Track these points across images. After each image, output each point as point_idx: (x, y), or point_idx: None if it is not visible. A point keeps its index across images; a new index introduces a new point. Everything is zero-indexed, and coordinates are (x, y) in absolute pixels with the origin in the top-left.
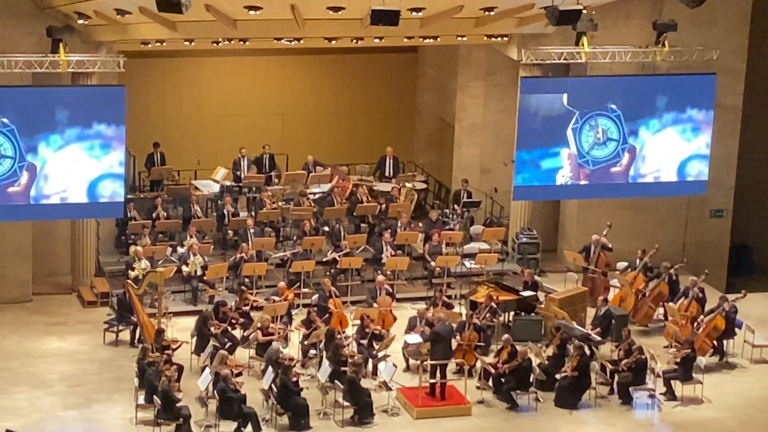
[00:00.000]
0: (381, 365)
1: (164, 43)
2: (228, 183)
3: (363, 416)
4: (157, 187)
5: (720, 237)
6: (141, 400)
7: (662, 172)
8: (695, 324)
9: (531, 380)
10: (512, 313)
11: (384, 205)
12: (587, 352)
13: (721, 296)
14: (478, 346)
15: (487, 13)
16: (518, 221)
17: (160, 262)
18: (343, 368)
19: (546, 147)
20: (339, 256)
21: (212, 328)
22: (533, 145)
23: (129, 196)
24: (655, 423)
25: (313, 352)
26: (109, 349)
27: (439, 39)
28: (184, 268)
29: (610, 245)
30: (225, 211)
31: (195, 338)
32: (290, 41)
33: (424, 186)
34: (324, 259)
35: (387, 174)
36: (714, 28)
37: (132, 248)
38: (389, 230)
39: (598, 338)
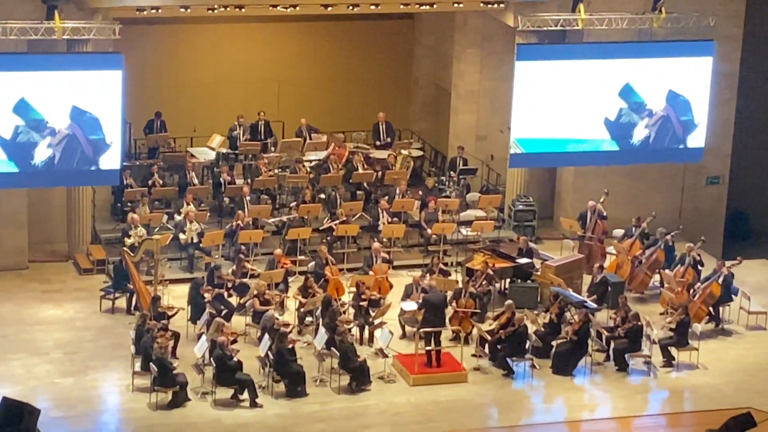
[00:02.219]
0: (377, 332)
1: (160, 10)
2: (224, 150)
3: (359, 383)
4: (154, 155)
5: (716, 204)
6: (137, 367)
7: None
8: (691, 291)
9: (527, 347)
10: (508, 280)
11: (380, 173)
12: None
13: (717, 262)
14: (475, 313)
15: None
16: (514, 188)
17: (156, 230)
18: (337, 337)
19: None
20: (335, 224)
21: (206, 294)
22: None
23: (125, 164)
24: (650, 389)
25: (309, 319)
26: (105, 317)
27: (435, 6)
28: (181, 236)
29: (605, 213)
30: (221, 179)
31: (190, 306)
32: (286, 8)
33: (420, 153)
34: (320, 227)
35: (381, 139)
36: None
37: (128, 215)
38: (386, 197)
39: (594, 305)
